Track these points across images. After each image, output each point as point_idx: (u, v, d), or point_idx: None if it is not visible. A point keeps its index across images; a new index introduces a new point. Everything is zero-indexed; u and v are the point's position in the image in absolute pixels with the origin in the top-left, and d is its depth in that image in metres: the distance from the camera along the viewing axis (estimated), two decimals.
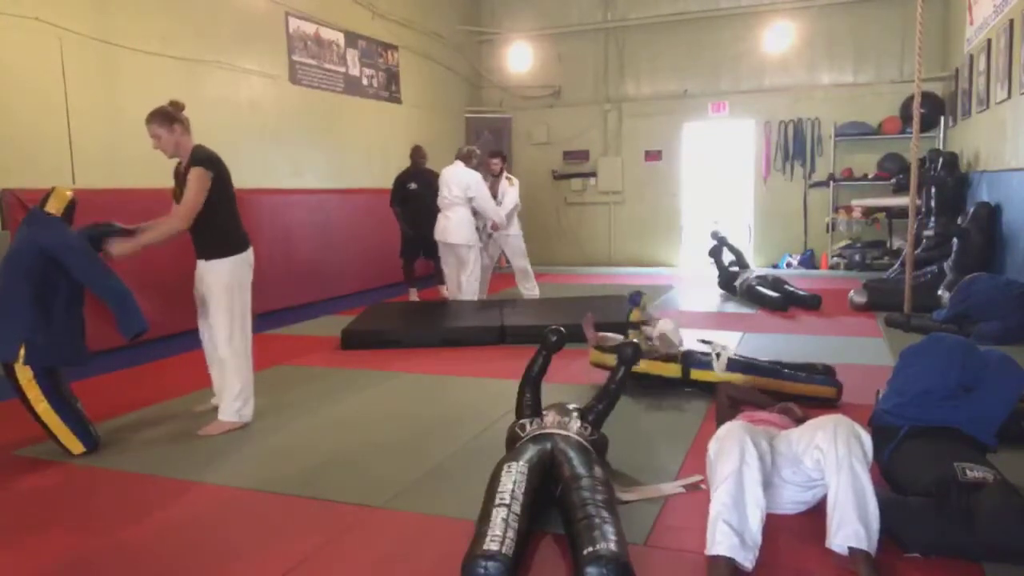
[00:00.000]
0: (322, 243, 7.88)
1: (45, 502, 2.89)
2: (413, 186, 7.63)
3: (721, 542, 2.07)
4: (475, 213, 6.98)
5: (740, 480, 2.15)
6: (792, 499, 2.43)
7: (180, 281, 6.15)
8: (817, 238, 10.10)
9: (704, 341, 4.17)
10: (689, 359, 3.98)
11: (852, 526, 2.07)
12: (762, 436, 2.35)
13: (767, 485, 2.25)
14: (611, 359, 3.60)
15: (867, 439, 2.23)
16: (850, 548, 2.07)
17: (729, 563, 2.05)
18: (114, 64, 5.80)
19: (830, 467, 2.17)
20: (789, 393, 3.60)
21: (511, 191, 7.47)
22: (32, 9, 5.17)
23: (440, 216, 6.91)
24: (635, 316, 4.10)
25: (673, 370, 3.98)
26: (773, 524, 2.37)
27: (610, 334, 4.23)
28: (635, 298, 4.09)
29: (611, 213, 11.32)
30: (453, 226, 6.81)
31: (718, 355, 3.91)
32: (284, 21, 7.66)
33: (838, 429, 2.22)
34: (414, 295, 7.83)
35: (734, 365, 3.85)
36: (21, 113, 5.16)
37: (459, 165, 6.93)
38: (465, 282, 6.94)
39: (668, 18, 10.52)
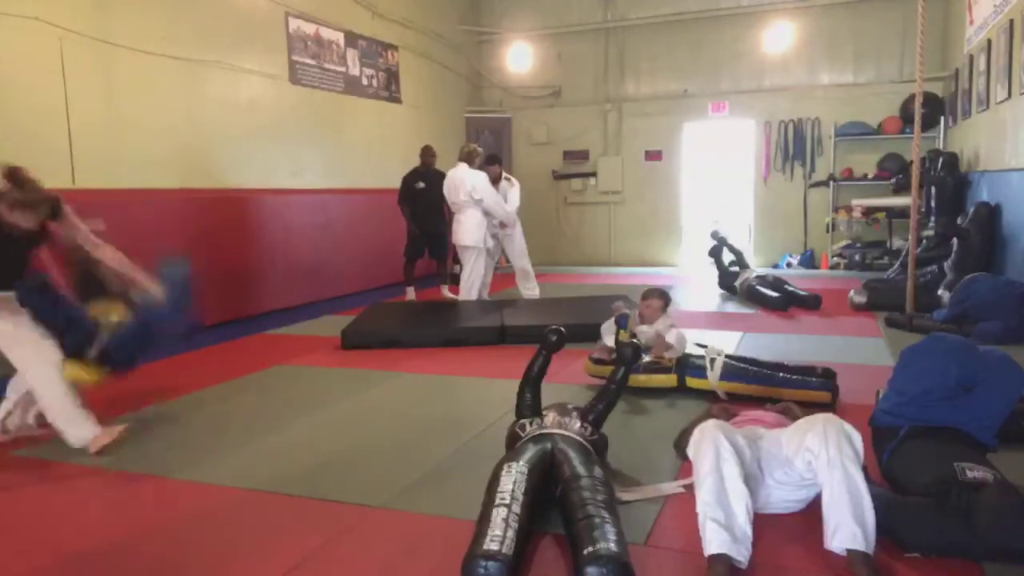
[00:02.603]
0: (322, 243, 7.89)
1: (45, 502, 2.89)
2: (421, 185, 7.65)
3: (712, 540, 2.09)
4: (486, 213, 7.03)
5: (719, 476, 2.18)
6: (786, 499, 2.42)
7: None
8: (817, 238, 10.10)
9: (700, 345, 4.17)
10: (684, 367, 3.98)
11: (848, 528, 2.07)
12: (738, 433, 2.36)
13: (752, 480, 2.27)
14: (606, 370, 3.61)
15: (857, 437, 2.23)
16: (848, 550, 2.07)
17: (724, 559, 2.06)
18: (114, 64, 5.80)
19: (822, 469, 2.17)
20: (784, 399, 3.59)
21: (512, 191, 7.50)
22: (32, 9, 5.17)
23: (455, 220, 7.03)
24: (624, 337, 4.10)
25: (669, 380, 3.99)
26: (771, 524, 2.38)
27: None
28: (622, 321, 4.10)
29: (611, 213, 11.32)
30: (463, 228, 6.94)
31: (712, 361, 3.91)
32: (284, 21, 7.66)
33: (828, 430, 2.22)
34: (411, 294, 7.84)
35: (728, 371, 3.85)
36: (21, 113, 5.16)
37: (463, 167, 6.94)
38: (464, 282, 6.97)
39: (668, 18, 10.51)
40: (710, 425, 2.33)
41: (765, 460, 2.38)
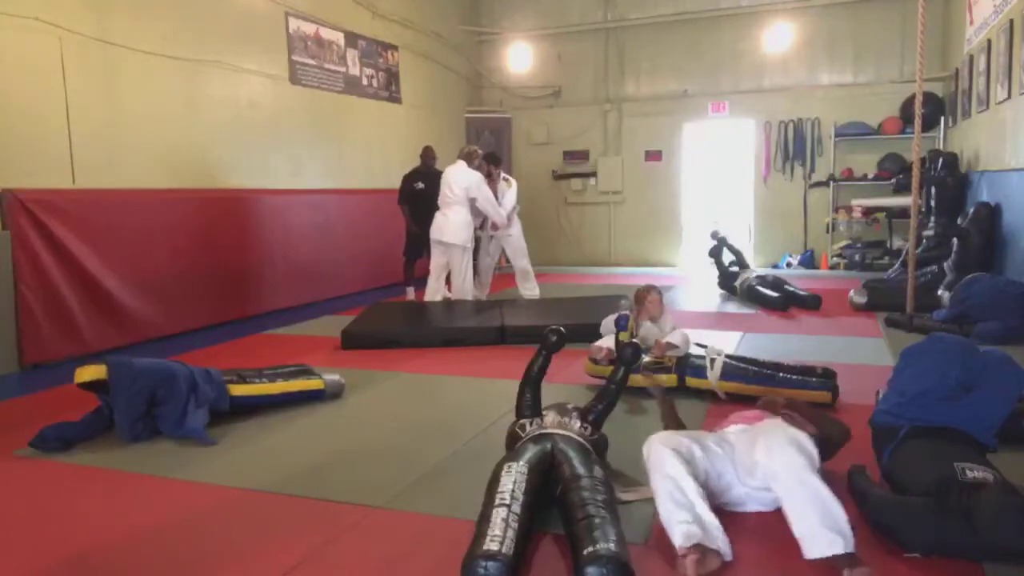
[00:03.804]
0: (322, 243, 7.89)
1: (45, 502, 2.89)
2: (420, 185, 7.64)
3: (685, 536, 2.11)
4: (476, 213, 6.99)
5: (672, 482, 2.22)
6: (767, 499, 2.43)
7: (179, 281, 6.18)
8: (817, 238, 10.10)
9: (700, 345, 4.17)
10: (684, 367, 3.98)
11: (822, 536, 2.05)
12: (685, 437, 2.42)
13: (717, 478, 2.34)
14: (606, 370, 3.60)
15: (806, 441, 2.23)
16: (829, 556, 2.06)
17: (699, 548, 2.08)
18: (114, 64, 5.80)
19: (774, 484, 2.19)
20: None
21: (509, 192, 7.49)
22: (32, 9, 5.17)
23: (438, 214, 6.92)
24: (624, 337, 4.11)
25: (669, 380, 3.99)
26: (762, 523, 2.38)
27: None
28: (622, 323, 4.11)
29: (611, 213, 11.32)
30: (451, 225, 6.82)
31: (712, 361, 3.91)
32: (284, 21, 7.66)
33: (771, 444, 2.23)
34: (411, 294, 7.83)
35: (728, 371, 3.85)
36: (21, 113, 5.16)
37: (461, 165, 6.94)
38: (458, 284, 6.95)
39: (668, 18, 10.52)
40: (652, 440, 2.39)
41: (739, 466, 2.40)
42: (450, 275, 7.05)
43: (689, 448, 2.35)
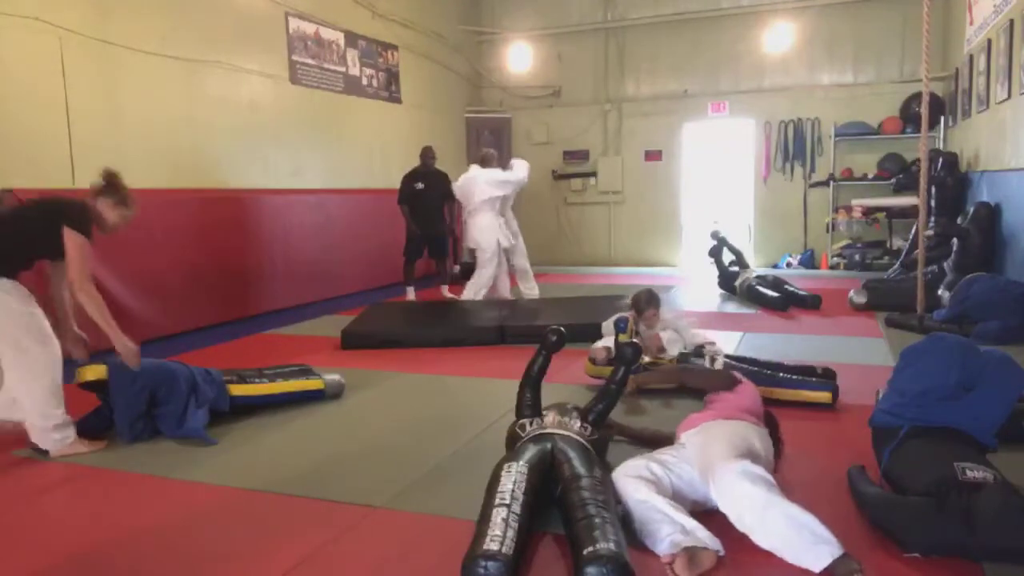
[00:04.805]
0: (322, 243, 7.89)
1: (45, 502, 2.89)
2: (420, 186, 7.66)
3: (671, 545, 2.13)
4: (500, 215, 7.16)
5: (645, 505, 2.26)
6: None
7: (179, 281, 6.18)
8: (817, 238, 10.10)
9: (700, 345, 4.17)
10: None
11: (811, 552, 2.06)
12: (643, 459, 2.47)
13: (676, 493, 2.36)
14: (606, 370, 3.61)
15: (754, 467, 2.22)
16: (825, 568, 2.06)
17: (687, 551, 2.10)
18: (114, 64, 5.80)
19: (740, 526, 2.19)
20: (784, 400, 3.59)
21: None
22: (32, 9, 5.17)
23: (469, 223, 7.13)
24: (624, 339, 4.11)
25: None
26: None
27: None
28: (621, 325, 4.11)
29: (611, 213, 11.32)
30: (475, 232, 7.04)
31: (712, 361, 3.91)
32: (284, 21, 7.66)
33: (721, 486, 2.23)
34: (411, 294, 7.84)
35: None
36: (21, 113, 5.16)
37: (475, 169, 7.04)
38: (471, 283, 7.01)
39: (668, 18, 10.52)
40: (616, 474, 2.43)
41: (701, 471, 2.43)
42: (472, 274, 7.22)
43: (650, 469, 2.40)
